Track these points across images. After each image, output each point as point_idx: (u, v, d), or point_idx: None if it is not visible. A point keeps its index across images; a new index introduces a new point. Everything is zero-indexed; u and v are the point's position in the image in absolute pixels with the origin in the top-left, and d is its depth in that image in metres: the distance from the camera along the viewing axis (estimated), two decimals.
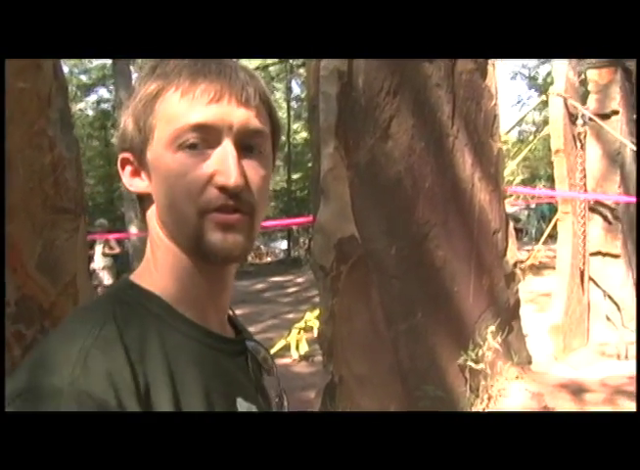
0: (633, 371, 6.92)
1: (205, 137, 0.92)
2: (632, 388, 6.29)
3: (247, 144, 0.95)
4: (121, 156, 1.01)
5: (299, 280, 18.94)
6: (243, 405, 1.00)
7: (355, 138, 4.42)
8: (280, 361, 8.23)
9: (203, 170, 0.91)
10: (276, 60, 22.69)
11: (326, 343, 4.35)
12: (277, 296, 15.75)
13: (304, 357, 8.49)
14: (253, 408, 1.02)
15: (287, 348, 8.54)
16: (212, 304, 1.02)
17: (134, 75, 16.07)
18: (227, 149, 0.92)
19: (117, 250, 11.65)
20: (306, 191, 28.39)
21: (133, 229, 13.15)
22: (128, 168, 1.01)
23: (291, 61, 24.96)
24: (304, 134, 28.30)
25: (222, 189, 0.91)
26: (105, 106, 27.73)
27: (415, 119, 4.93)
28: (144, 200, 1.02)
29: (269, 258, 27.29)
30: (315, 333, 8.64)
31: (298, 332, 8.78)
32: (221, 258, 0.95)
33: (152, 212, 1.01)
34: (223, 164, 0.91)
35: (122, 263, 13.48)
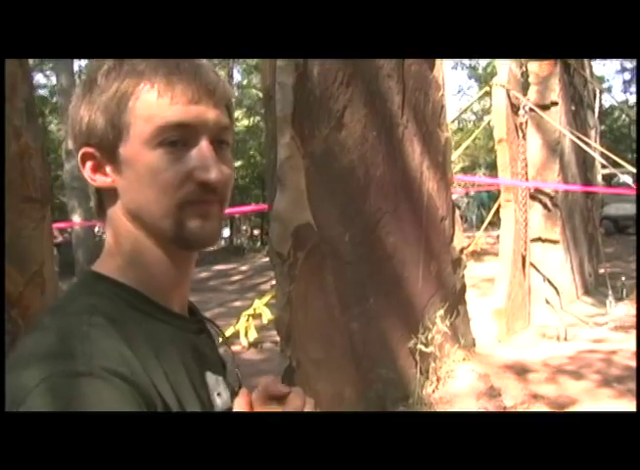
0: (573, 351, 7.22)
1: (184, 135, 0.97)
2: (573, 367, 6.58)
3: (218, 139, 1.01)
4: (84, 150, 1.01)
5: (243, 268, 18.98)
6: (211, 378, 1.08)
7: (311, 128, 4.51)
8: None
9: (182, 166, 0.96)
10: None
11: (284, 328, 4.43)
12: (222, 284, 15.77)
13: (253, 344, 8.56)
14: (220, 379, 1.11)
15: (236, 335, 8.59)
16: (177, 289, 1.08)
17: (76, 61, 15.69)
18: (205, 146, 0.98)
19: (60, 239, 11.50)
20: (248, 179, 28.33)
21: (76, 218, 12.96)
22: (90, 163, 1.02)
23: None
24: (246, 122, 28.21)
25: (203, 184, 0.97)
26: (41, 92, 27.07)
27: (367, 109, 5.04)
28: (103, 193, 1.05)
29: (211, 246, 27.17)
30: (264, 320, 8.72)
31: (247, 319, 8.83)
32: (200, 244, 1.03)
33: (117, 206, 1.03)
34: (203, 160, 0.97)
35: (64, 253, 13.29)
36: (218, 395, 1.09)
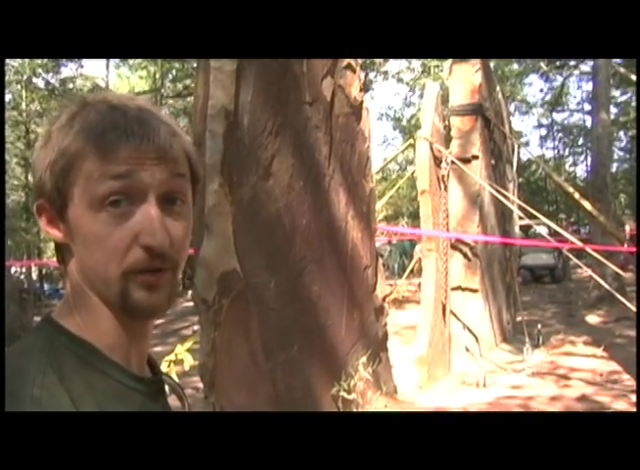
0: (491, 397, 7.37)
1: (129, 195, 0.93)
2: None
3: (169, 198, 0.98)
4: (38, 202, 1.00)
5: None
6: None
7: (239, 175, 4.56)
8: None
9: (126, 230, 0.93)
10: (146, 88, 22.47)
11: (208, 375, 4.42)
12: None
13: None
14: None
15: None
16: (134, 349, 1.05)
17: None
18: (151, 208, 0.94)
19: None
20: None
21: None
22: (44, 216, 1.00)
23: (162, 91, 24.87)
24: None
25: (147, 249, 0.93)
26: None
27: (295, 159, 5.14)
28: (61, 246, 1.03)
29: None
30: (186, 366, 8.57)
31: (169, 365, 8.67)
32: (145, 315, 1.00)
33: (72, 262, 1.01)
34: (148, 223, 0.93)
35: None
36: None
